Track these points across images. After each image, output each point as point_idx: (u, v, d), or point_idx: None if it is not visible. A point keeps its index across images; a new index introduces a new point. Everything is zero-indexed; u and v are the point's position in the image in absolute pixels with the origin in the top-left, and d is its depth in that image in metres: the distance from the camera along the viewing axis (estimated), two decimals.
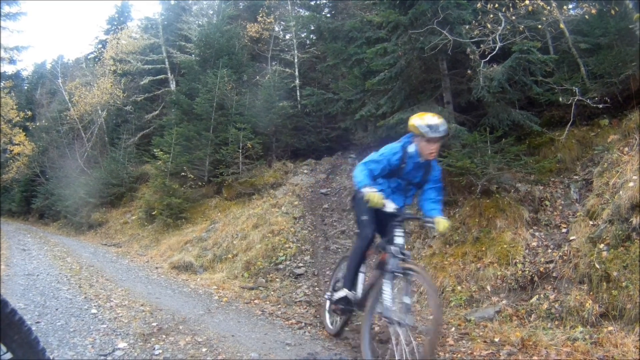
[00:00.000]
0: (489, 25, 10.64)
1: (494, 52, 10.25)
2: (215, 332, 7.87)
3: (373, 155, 6.22)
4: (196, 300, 10.25)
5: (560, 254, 8.48)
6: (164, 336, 7.48)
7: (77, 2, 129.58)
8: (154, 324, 8.09)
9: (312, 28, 20.45)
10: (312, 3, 26.87)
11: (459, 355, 6.80)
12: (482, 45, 10.52)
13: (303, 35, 26.73)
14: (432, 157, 6.00)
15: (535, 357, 6.40)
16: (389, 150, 6.21)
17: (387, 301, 5.72)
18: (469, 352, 6.89)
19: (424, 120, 5.88)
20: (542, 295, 8.02)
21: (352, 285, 6.65)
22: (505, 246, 9.21)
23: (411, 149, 6.10)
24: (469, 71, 11.18)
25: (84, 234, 25.31)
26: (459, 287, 9.11)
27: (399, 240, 5.90)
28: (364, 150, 19.47)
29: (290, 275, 11.51)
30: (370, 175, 5.94)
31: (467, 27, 10.98)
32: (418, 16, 11.06)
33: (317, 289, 10.74)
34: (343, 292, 6.67)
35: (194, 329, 7.96)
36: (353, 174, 6.24)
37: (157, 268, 14.19)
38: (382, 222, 6.32)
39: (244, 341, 7.52)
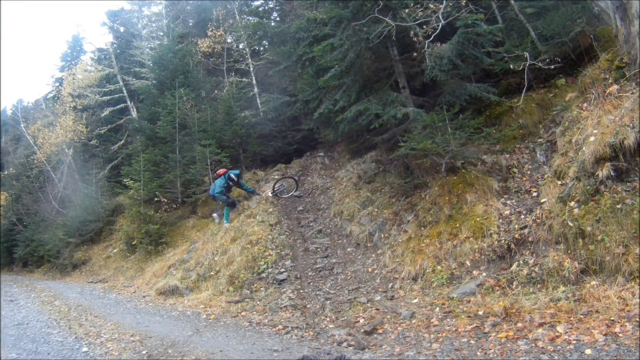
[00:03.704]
0: (431, 5, 10.63)
1: (437, 31, 10.24)
2: (204, 350, 7.84)
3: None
4: (184, 322, 10.17)
5: (534, 217, 8.53)
6: None
7: (29, 43, 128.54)
8: (144, 352, 8.06)
9: (261, 34, 20.31)
10: (260, 9, 26.77)
11: (444, 334, 6.80)
12: (425, 26, 10.50)
13: (255, 43, 26.65)
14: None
15: (519, 324, 6.41)
16: None
17: None
18: (454, 329, 6.89)
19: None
20: (521, 262, 8.04)
21: None
22: (478, 219, 9.23)
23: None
24: (414, 54, 11.19)
25: (69, 275, 24.93)
26: (438, 267, 9.11)
27: None
28: (332, 146, 19.43)
29: (274, 282, 11.42)
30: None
31: (406, 10, 10.95)
32: (359, 7, 11.06)
33: (301, 291, 10.68)
34: None
35: (182, 351, 7.92)
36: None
37: (144, 297, 14.03)
38: None
39: (232, 354, 7.48)
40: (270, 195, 17.21)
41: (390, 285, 9.87)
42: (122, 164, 26.54)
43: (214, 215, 17.29)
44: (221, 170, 16.07)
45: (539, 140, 10.53)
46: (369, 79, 12.52)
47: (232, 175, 15.88)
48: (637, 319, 5.65)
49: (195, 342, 8.38)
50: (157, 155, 20.48)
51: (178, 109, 20.56)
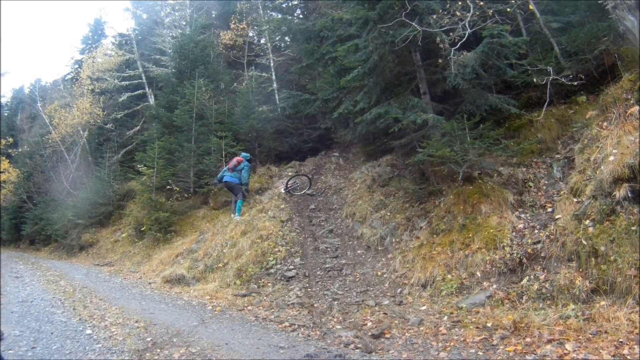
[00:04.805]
0: (458, 13, 10.62)
1: (464, 39, 10.25)
2: (209, 341, 7.83)
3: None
4: (190, 311, 10.17)
5: (547, 233, 8.50)
6: (158, 350, 7.44)
7: (51, 23, 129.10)
8: (149, 339, 8.03)
9: (284, 30, 20.40)
10: (284, 5, 26.80)
11: (451, 344, 6.80)
12: (451, 34, 10.50)
13: (277, 39, 26.75)
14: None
15: (528, 339, 6.41)
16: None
17: None
18: (462, 339, 6.89)
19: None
20: (532, 276, 8.02)
21: None
22: (492, 231, 9.22)
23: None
24: (440, 60, 11.18)
25: (76, 256, 25.01)
26: (449, 276, 9.11)
27: None
28: (347, 147, 19.42)
29: (282, 278, 11.45)
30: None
31: (434, 17, 10.95)
32: (386, 10, 11.03)
33: (309, 289, 10.70)
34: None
35: (187, 341, 7.91)
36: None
37: (150, 283, 14.06)
38: None
39: (238, 348, 7.49)
40: (283, 191, 17.20)
41: (399, 290, 9.88)
42: (136, 149, 26.68)
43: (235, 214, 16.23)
44: (239, 158, 16.14)
45: (557, 156, 10.49)
46: (390, 83, 12.50)
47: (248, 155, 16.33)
48: None
49: (200, 332, 8.38)
50: (172, 143, 20.62)
51: (196, 99, 20.69)
